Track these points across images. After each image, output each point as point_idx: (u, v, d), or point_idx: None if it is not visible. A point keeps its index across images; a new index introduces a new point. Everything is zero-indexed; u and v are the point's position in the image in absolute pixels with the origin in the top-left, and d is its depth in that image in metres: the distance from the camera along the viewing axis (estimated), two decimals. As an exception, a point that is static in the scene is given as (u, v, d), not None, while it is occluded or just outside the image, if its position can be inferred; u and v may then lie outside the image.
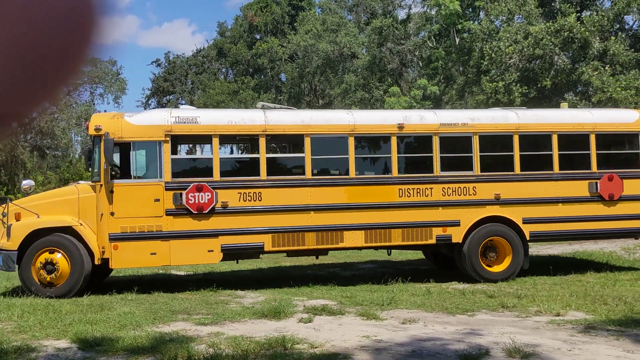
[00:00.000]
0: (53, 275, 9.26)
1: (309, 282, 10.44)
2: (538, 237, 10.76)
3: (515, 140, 10.54)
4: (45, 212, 9.54)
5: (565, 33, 22.77)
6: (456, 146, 10.62)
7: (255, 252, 10.02)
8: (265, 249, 9.79)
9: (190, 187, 9.57)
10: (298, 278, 10.92)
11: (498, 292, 9.06)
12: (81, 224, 9.44)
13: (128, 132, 9.51)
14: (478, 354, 5.70)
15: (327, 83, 38.46)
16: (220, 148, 9.97)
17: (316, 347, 6.07)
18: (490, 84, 24.21)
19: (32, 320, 7.48)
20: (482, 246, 10.35)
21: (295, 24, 44.07)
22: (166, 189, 9.54)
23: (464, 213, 10.28)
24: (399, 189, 10.19)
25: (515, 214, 10.40)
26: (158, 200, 9.50)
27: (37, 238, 9.33)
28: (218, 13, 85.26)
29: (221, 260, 9.94)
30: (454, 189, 10.31)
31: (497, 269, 10.42)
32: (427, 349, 6.01)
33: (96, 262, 9.45)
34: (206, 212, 9.58)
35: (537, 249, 14.85)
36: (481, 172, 10.44)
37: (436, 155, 10.33)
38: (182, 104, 47.31)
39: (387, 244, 10.21)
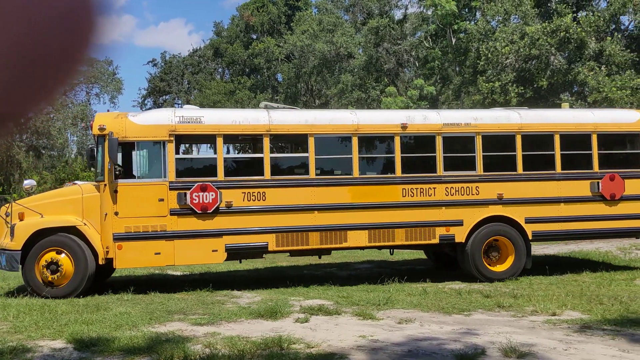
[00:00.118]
0: (57, 275, 9.22)
1: (305, 282, 10.44)
2: (540, 237, 10.82)
3: (518, 140, 10.58)
4: (48, 212, 9.50)
5: (562, 33, 22.87)
6: (459, 146, 10.66)
7: (259, 251, 10.04)
8: (270, 248, 9.80)
9: (194, 186, 9.56)
10: (294, 278, 10.91)
11: (494, 292, 9.07)
12: (85, 224, 9.41)
13: (132, 132, 9.50)
14: (474, 353, 5.71)
15: (324, 83, 38.45)
16: (224, 148, 9.97)
17: (312, 347, 6.06)
18: (487, 84, 24.29)
19: (28, 320, 7.44)
20: (485, 246, 10.39)
21: (291, 24, 44.01)
22: (170, 189, 9.52)
23: (466, 213, 10.32)
24: (403, 189, 10.22)
25: (517, 214, 10.45)
26: (162, 200, 9.49)
27: (40, 238, 9.29)
28: (214, 13, 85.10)
29: (225, 260, 9.94)
30: (457, 189, 10.35)
31: (499, 268, 10.47)
32: (424, 348, 6.02)
33: (100, 262, 9.41)
34: (210, 211, 9.58)
35: (533, 249, 14.80)
36: (484, 172, 10.48)
37: (439, 155, 10.36)
38: (178, 104, 47.22)
39: (391, 243, 10.23)
